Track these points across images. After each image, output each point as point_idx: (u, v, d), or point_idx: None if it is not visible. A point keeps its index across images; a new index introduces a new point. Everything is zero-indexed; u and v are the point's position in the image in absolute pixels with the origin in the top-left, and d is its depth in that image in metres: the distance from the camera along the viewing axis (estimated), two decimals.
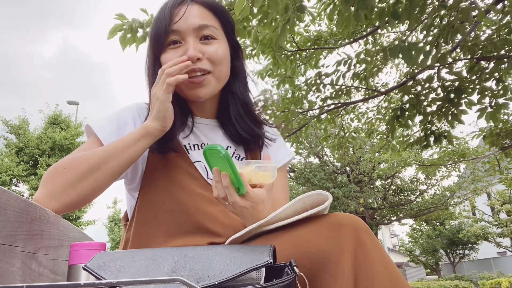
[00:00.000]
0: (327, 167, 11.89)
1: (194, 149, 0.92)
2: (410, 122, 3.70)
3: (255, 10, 2.40)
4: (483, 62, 3.17)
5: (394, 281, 0.60)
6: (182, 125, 0.91)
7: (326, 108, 4.18)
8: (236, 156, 0.97)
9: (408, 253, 20.74)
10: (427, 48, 2.71)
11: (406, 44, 2.49)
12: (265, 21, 2.68)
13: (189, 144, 0.92)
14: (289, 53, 3.83)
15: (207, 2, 0.89)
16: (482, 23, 3.39)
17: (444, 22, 2.77)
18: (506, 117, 4.00)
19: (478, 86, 3.20)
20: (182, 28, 0.85)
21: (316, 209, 0.67)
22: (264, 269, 0.55)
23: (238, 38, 1.00)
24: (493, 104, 3.24)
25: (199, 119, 0.97)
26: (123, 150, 0.78)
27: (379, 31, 4.14)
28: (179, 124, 0.89)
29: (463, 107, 3.25)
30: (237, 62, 0.96)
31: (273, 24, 2.78)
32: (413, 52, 2.46)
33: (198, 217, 0.84)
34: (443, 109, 3.35)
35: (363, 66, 3.80)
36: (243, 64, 0.98)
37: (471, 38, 3.09)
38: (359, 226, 0.64)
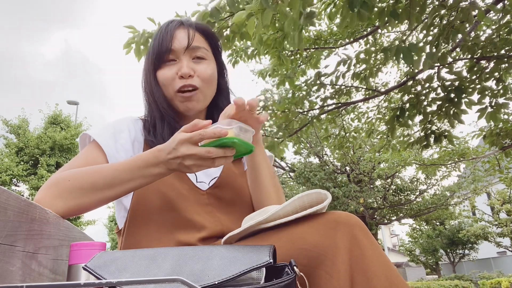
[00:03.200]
0: (327, 167, 11.89)
1: None
2: (410, 122, 3.70)
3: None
4: (483, 62, 3.17)
5: (390, 277, 0.61)
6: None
7: (326, 108, 4.18)
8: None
9: (408, 253, 20.75)
10: (427, 48, 2.71)
11: (407, 45, 2.49)
12: (269, 23, 2.68)
13: None
14: (290, 53, 3.82)
15: (199, 27, 1.01)
16: (482, 22, 3.39)
17: (444, 22, 2.77)
18: (506, 116, 4.00)
19: (478, 86, 3.20)
20: (177, 48, 0.96)
21: (314, 208, 0.68)
22: (264, 269, 0.55)
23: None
24: (493, 104, 3.24)
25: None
26: (128, 182, 0.79)
27: (379, 31, 4.14)
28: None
29: (463, 106, 3.25)
30: (222, 80, 1.07)
31: (276, 25, 2.78)
32: (414, 53, 2.46)
33: (187, 214, 0.89)
34: (443, 109, 3.35)
35: (363, 66, 3.80)
36: (227, 82, 1.09)
37: (471, 38, 3.09)
38: (355, 223, 0.65)
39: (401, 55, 2.46)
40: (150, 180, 0.79)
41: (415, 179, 12.40)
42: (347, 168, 12.17)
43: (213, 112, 1.07)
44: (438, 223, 17.67)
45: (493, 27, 3.29)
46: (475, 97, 3.22)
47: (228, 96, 1.09)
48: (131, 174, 0.78)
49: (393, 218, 13.15)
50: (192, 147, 0.72)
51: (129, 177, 0.78)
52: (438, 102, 3.41)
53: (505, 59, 3.01)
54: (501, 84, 3.18)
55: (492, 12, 3.28)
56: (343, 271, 0.60)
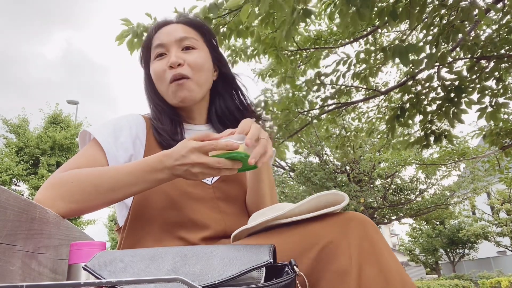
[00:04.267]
0: (327, 166, 11.89)
1: None
2: (410, 122, 3.70)
3: (257, 10, 2.40)
4: (483, 62, 3.17)
5: (400, 270, 0.62)
6: (174, 135, 0.97)
7: (326, 108, 4.17)
8: None
9: (408, 252, 20.76)
10: (427, 48, 2.71)
11: (404, 45, 2.49)
12: (267, 21, 2.68)
13: None
14: (290, 53, 3.82)
15: (187, 20, 1.02)
16: (482, 22, 3.39)
17: (444, 22, 2.77)
18: (506, 116, 4.00)
19: (478, 86, 3.20)
20: (166, 41, 0.97)
21: (330, 208, 0.68)
22: (264, 268, 0.55)
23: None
24: (493, 103, 3.24)
25: (189, 125, 1.04)
26: (132, 186, 0.79)
27: (379, 30, 4.13)
28: (172, 133, 0.96)
29: (463, 106, 3.24)
30: (224, 68, 1.06)
31: (275, 24, 2.77)
32: (411, 54, 2.46)
33: (189, 213, 0.89)
34: (443, 109, 3.35)
35: (363, 65, 3.80)
36: (230, 70, 1.08)
37: (471, 38, 3.09)
38: (366, 221, 0.66)
39: (397, 56, 2.46)
40: (153, 184, 0.79)
41: (415, 179, 12.40)
42: (347, 167, 12.17)
43: (216, 100, 1.07)
44: (438, 223, 17.68)
45: (493, 26, 3.29)
46: (475, 96, 3.22)
47: (235, 82, 1.08)
48: (134, 178, 0.78)
49: (393, 218, 13.14)
50: (202, 156, 0.73)
51: (132, 181, 0.78)
52: (438, 102, 3.41)
53: (505, 59, 3.01)
54: (501, 83, 3.18)
55: (492, 11, 3.27)
56: (353, 265, 0.60)
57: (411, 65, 3.24)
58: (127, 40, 2.68)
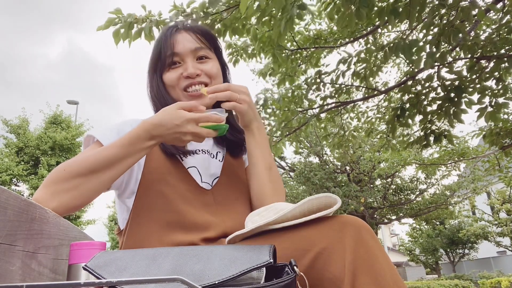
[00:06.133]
0: (327, 167, 11.89)
1: (187, 156, 1.00)
2: (410, 122, 3.70)
3: (254, 6, 2.39)
4: (483, 61, 3.17)
5: (395, 277, 0.61)
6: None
7: (326, 107, 4.17)
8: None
9: (408, 252, 20.76)
10: (427, 47, 2.71)
11: (407, 42, 2.49)
12: (264, 19, 2.68)
13: (183, 152, 0.99)
14: (290, 52, 3.82)
15: (199, 30, 1.05)
16: (482, 22, 3.39)
17: (444, 21, 2.77)
18: (506, 116, 4.00)
19: (478, 85, 3.20)
20: (180, 51, 1.00)
21: (322, 212, 0.68)
22: (264, 268, 0.54)
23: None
24: (493, 103, 3.24)
25: None
26: (125, 159, 0.82)
27: (379, 30, 4.13)
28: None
29: (463, 106, 3.24)
30: (225, 79, 1.11)
31: (272, 22, 2.77)
32: (414, 49, 2.46)
33: (190, 216, 0.90)
34: (443, 109, 3.35)
35: (363, 65, 3.80)
36: (230, 80, 1.14)
37: (471, 37, 3.09)
38: (361, 226, 0.65)
39: (401, 51, 2.46)
40: (144, 152, 0.84)
41: (415, 179, 12.40)
42: (347, 167, 12.17)
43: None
44: (438, 223, 17.67)
45: (493, 26, 3.29)
46: (475, 96, 3.22)
47: None
48: (125, 151, 0.81)
49: (393, 218, 13.15)
50: (196, 127, 0.81)
51: (123, 154, 0.81)
52: (438, 102, 3.41)
53: (505, 59, 3.01)
54: (501, 83, 3.18)
55: (492, 11, 3.28)
56: (347, 271, 0.60)
57: (411, 65, 3.24)
58: (113, 30, 2.63)
